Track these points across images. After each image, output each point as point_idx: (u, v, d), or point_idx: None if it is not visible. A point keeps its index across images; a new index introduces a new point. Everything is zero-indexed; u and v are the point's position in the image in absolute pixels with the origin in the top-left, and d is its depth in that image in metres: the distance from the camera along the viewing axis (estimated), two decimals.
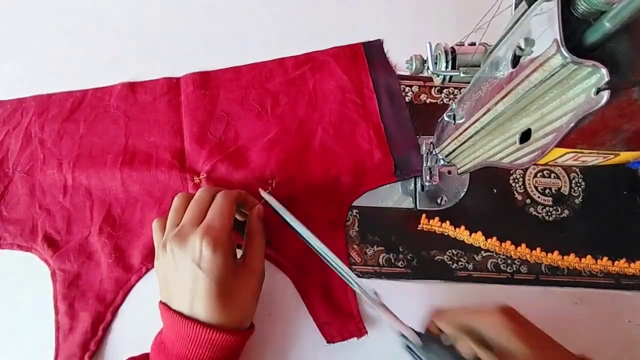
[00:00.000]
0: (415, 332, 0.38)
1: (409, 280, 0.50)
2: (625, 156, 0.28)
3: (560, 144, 0.26)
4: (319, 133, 0.55)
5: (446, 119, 0.40)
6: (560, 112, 0.25)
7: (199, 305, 0.38)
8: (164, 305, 0.40)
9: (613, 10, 0.21)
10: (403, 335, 0.38)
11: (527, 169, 0.54)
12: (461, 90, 0.57)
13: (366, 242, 0.51)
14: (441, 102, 0.58)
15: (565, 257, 0.50)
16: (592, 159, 0.28)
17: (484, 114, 0.32)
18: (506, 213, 0.53)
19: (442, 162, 0.47)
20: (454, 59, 0.34)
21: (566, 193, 0.53)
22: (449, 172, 0.54)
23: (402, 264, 0.51)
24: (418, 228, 0.52)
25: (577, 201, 0.53)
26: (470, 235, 0.51)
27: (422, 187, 0.53)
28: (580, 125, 0.24)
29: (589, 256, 0.50)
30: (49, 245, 0.51)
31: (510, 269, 0.50)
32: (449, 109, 0.40)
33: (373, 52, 0.60)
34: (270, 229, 0.51)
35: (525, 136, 0.30)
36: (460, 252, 0.51)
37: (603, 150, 0.27)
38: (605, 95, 0.22)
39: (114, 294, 0.49)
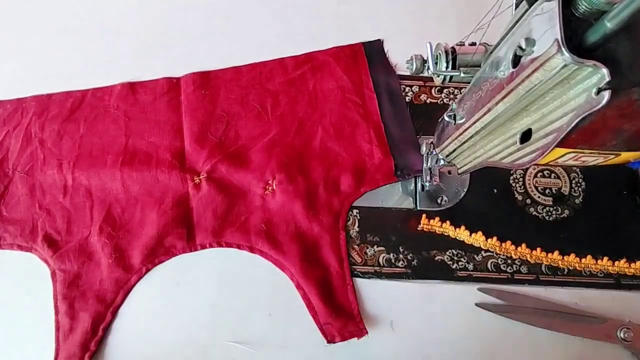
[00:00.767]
0: None
1: (409, 280, 0.50)
2: (625, 156, 0.28)
3: (560, 144, 0.26)
4: (319, 133, 0.55)
5: (446, 119, 0.40)
6: (561, 112, 0.25)
7: None
8: None
9: (614, 10, 0.21)
10: None
11: (527, 169, 0.54)
12: (461, 90, 0.57)
13: (366, 242, 0.51)
14: (441, 102, 0.58)
15: (565, 258, 0.50)
16: (593, 159, 0.28)
17: (485, 114, 0.32)
18: (506, 213, 0.53)
19: (442, 162, 0.47)
20: (454, 59, 0.34)
21: (566, 193, 0.53)
22: (449, 172, 0.54)
23: (402, 264, 0.51)
24: (418, 228, 0.52)
25: (577, 201, 0.53)
26: (470, 235, 0.51)
27: (422, 187, 0.53)
28: (580, 126, 0.24)
29: (589, 256, 0.50)
30: (49, 245, 0.51)
31: (510, 269, 0.50)
32: (449, 109, 0.40)
33: (373, 52, 0.60)
34: (271, 229, 0.51)
35: (526, 136, 0.30)
36: (460, 252, 0.51)
37: (603, 150, 0.27)
38: (606, 95, 0.22)
39: (114, 294, 0.49)
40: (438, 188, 0.53)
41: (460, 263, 0.51)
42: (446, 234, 0.52)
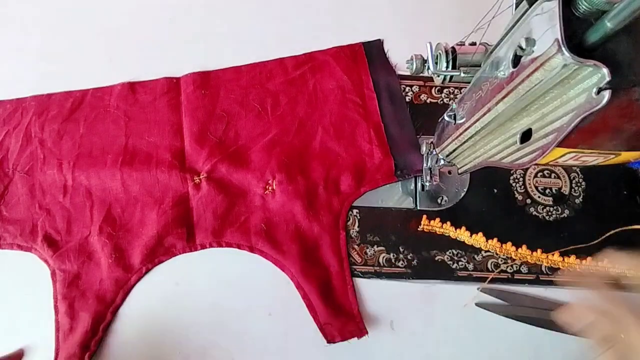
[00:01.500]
0: None
1: (409, 280, 0.50)
2: (625, 156, 0.28)
3: (561, 144, 0.26)
4: (319, 133, 0.55)
5: (447, 118, 0.40)
6: (561, 112, 0.25)
7: None
8: None
9: (614, 10, 0.21)
10: None
11: (527, 169, 0.54)
12: (461, 90, 0.57)
13: (366, 242, 0.51)
14: (441, 102, 0.58)
15: (566, 259, 0.50)
16: (593, 158, 0.28)
17: (485, 113, 0.32)
18: (506, 213, 0.53)
19: (442, 162, 0.47)
20: (454, 59, 0.34)
21: (567, 193, 0.53)
22: (449, 172, 0.54)
23: (402, 264, 0.51)
24: (419, 229, 0.52)
25: (577, 201, 0.53)
26: (471, 236, 0.51)
27: (423, 187, 0.53)
28: (581, 125, 0.24)
29: (589, 258, 0.50)
30: (48, 245, 0.51)
31: (510, 269, 0.50)
32: (449, 108, 0.40)
33: (373, 52, 0.60)
34: (271, 229, 0.51)
35: (526, 136, 0.30)
36: (460, 252, 0.51)
37: (604, 150, 0.27)
38: (606, 95, 0.22)
39: (114, 294, 0.49)
40: (438, 188, 0.53)
41: (460, 263, 0.51)
42: (447, 234, 0.52)
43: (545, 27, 0.23)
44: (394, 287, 0.50)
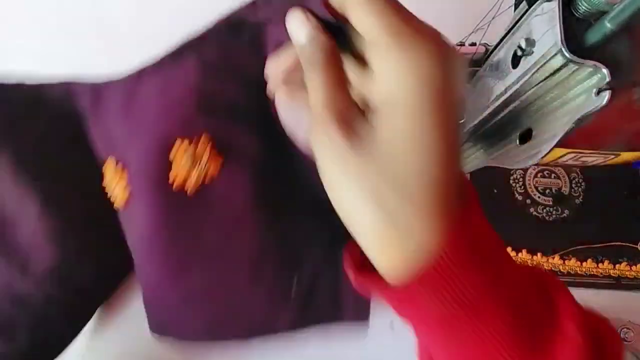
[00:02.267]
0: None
1: None
2: (625, 156, 0.28)
3: (561, 144, 0.26)
4: None
5: None
6: (561, 113, 0.25)
7: None
8: None
9: (614, 10, 0.21)
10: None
11: (527, 169, 0.54)
12: None
13: None
14: None
15: (566, 262, 0.50)
16: (593, 159, 0.28)
17: (485, 114, 0.32)
18: (506, 213, 0.53)
19: None
20: None
21: (566, 193, 0.53)
22: None
23: None
24: None
25: (577, 201, 0.53)
26: None
27: None
28: (580, 126, 0.24)
29: (589, 260, 0.50)
30: None
31: None
32: None
33: None
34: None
35: (526, 136, 0.30)
36: None
37: (603, 150, 0.27)
38: (606, 95, 0.22)
39: None
40: None
41: None
42: None
43: (545, 27, 0.23)
44: None
